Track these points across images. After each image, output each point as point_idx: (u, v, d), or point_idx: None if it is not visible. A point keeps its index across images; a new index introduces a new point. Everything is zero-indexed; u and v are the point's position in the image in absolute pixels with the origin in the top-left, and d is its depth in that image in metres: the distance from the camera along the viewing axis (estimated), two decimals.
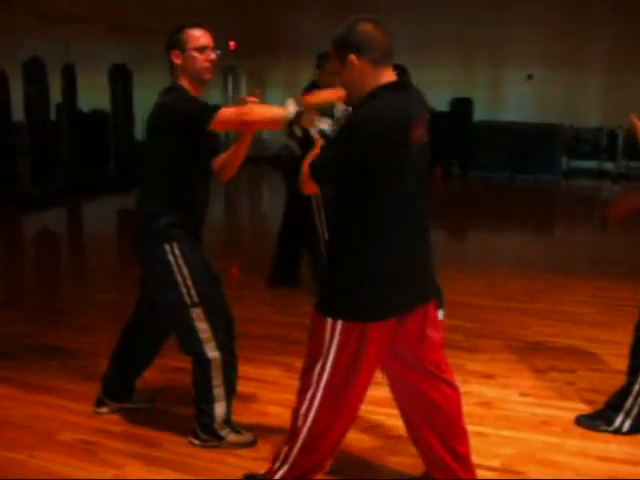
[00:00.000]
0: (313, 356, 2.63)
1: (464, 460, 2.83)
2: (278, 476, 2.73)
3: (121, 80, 12.35)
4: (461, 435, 2.84)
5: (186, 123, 3.00)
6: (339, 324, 2.53)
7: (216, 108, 2.96)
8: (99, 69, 12.54)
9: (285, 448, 2.73)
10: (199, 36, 3.14)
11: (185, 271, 3.15)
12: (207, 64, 3.15)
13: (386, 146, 2.41)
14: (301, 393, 2.68)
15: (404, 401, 2.87)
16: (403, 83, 2.54)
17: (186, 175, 3.18)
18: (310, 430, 2.66)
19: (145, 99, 13.72)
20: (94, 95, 13.49)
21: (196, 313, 3.17)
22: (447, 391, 2.80)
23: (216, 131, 3.01)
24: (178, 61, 3.15)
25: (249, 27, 14.56)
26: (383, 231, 2.51)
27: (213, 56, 3.16)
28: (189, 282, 3.15)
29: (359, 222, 2.52)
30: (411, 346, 2.70)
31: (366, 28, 2.50)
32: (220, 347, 3.21)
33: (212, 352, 3.20)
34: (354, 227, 2.53)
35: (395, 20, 14.65)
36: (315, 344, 2.61)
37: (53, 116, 12.11)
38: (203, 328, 3.17)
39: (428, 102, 2.64)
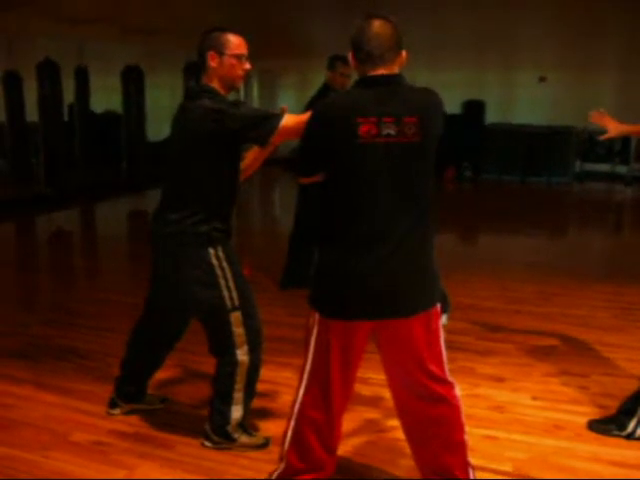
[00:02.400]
0: (304, 346, 2.73)
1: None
2: (274, 476, 2.77)
3: (133, 81, 12.40)
4: (453, 449, 2.76)
5: (244, 129, 3.03)
6: (316, 316, 2.62)
7: (279, 117, 3.01)
8: (112, 70, 12.60)
9: (281, 445, 2.78)
10: (239, 44, 3.17)
11: (228, 274, 3.17)
12: (242, 73, 3.19)
13: (326, 140, 2.46)
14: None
15: (404, 421, 2.86)
16: (377, 78, 2.49)
17: (225, 178, 3.19)
18: (297, 419, 2.73)
19: (157, 99, 13.80)
20: (107, 96, 13.54)
21: (234, 317, 3.18)
22: (440, 409, 2.73)
23: (275, 142, 3.06)
24: (214, 63, 3.14)
25: (260, 28, 14.60)
26: (343, 231, 2.53)
27: (248, 66, 3.21)
28: (231, 285, 3.17)
29: (326, 219, 2.60)
30: (401, 355, 2.67)
31: (361, 26, 2.53)
32: (250, 351, 3.23)
33: (242, 356, 3.21)
34: (323, 224, 2.62)
35: (408, 22, 14.60)
36: (305, 334, 2.71)
37: (66, 117, 12.17)
38: (239, 332, 3.19)
39: (431, 103, 2.55)
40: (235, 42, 3.16)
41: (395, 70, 2.52)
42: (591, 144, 12.82)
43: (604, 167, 13.42)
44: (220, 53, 3.12)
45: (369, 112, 2.41)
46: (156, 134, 11.93)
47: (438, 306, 2.67)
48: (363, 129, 2.40)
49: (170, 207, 3.24)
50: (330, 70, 5.70)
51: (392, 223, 2.49)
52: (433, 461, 2.76)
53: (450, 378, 2.73)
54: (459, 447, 2.76)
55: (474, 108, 13.84)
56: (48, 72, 10.84)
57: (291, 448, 2.75)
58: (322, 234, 2.62)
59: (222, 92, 3.17)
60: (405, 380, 2.72)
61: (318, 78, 5.38)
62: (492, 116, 13.89)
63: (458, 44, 13.61)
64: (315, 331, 2.64)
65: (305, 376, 2.71)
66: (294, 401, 2.76)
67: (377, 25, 2.49)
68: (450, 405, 2.72)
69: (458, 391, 2.75)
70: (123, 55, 12.36)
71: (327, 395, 2.69)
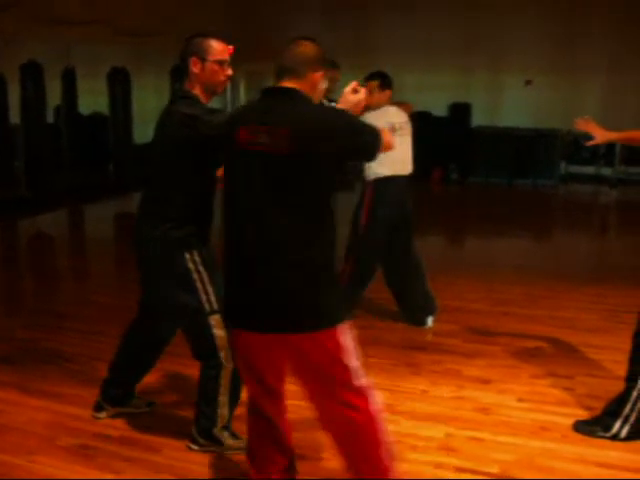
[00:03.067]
0: None
1: None
2: None
3: (120, 83, 12.35)
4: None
5: (218, 137, 3.04)
6: None
7: None
8: (99, 72, 12.55)
9: None
10: (221, 49, 3.15)
11: (205, 277, 3.16)
12: (224, 78, 3.18)
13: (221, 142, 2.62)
14: None
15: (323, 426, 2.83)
16: (273, 89, 2.59)
17: (200, 184, 3.19)
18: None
19: (144, 102, 13.75)
20: (94, 98, 13.49)
21: (215, 320, 3.17)
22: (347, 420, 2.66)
23: None
24: (196, 69, 3.13)
25: (247, 31, 14.59)
26: (226, 236, 2.60)
27: (230, 72, 3.19)
28: (209, 288, 3.17)
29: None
30: (296, 368, 2.67)
31: (287, 45, 2.63)
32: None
33: (226, 359, 3.21)
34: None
35: (393, 24, 14.73)
36: None
37: (51, 119, 12.10)
38: (220, 335, 3.18)
39: (319, 120, 2.49)
40: (217, 48, 3.15)
41: (303, 86, 2.55)
42: (576, 147, 12.89)
43: (589, 169, 13.50)
44: (202, 59, 3.12)
45: (250, 120, 2.50)
46: (143, 136, 11.88)
47: (336, 325, 2.52)
48: (241, 135, 2.48)
49: (148, 211, 3.26)
50: None
51: (263, 234, 2.47)
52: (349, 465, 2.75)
53: (364, 390, 2.62)
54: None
55: (460, 111, 13.87)
56: (32, 74, 10.74)
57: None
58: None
59: (204, 98, 3.17)
60: (313, 393, 2.71)
61: None
62: (478, 119, 13.93)
63: (445, 47, 13.66)
64: None
65: None
66: None
67: (298, 44, 2.58)
68: (358, 417, 2.62)
69: (373, 404, 2.63)
70: (110, 57, 12.32)
71: (253, 399, 2.81)
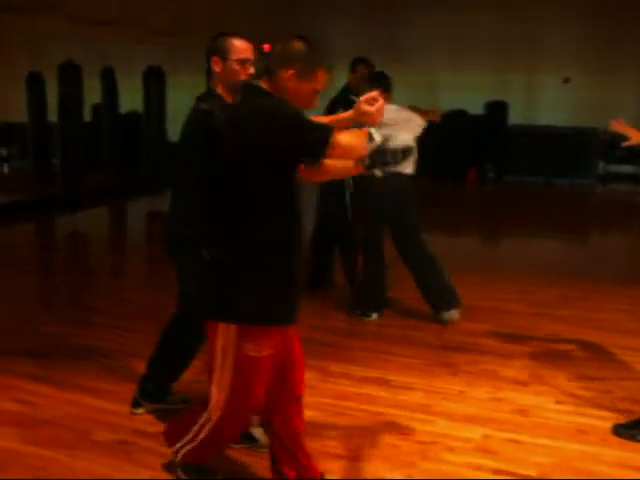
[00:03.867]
0: None
1: None
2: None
3: (155, 82, 12.46)
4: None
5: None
6: None
7: None
8: (135, 71, 12.68)
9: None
10: (243, 48, 3.16)
11: None
12: (245, 77, 3.17)
13: None
14: None
15: None
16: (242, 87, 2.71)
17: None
18: None
19: (178, 100, 13.86)
20: (130, 97, 13.63)
21: None
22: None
23: None
24: (217, 69, 3.16)
25: (283, 30, 14.62)
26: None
27: (252, 70, 3.18)
28: None
29: None
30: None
31: None
32: None
33: None
34: None
35: (429, 23, 14.65)
36: None
37: (88, 118, 12.25)
38: None
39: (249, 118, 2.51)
40: (239, 47, 3.15)
41: (273, 85, 2.54)
42: (614, 145, 12.70)
43: (628, 169, 13.30)
44: (224, 58, 3.14)
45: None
46: (177, 135, 11.97)
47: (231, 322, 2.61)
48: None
49: (172, 211, 3.33)
50: (353, 72, 5.71)
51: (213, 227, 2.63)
52: None
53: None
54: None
55: (497, 109, 13.75)
56: (70, 73, 10.90)
57: None
58: None
59: (227, 96, 3.18)
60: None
61: (340, 80, 5.38)
62: (515, 117, 13.79)
63: (481, 45, 13.56)
64: None
65: None
66: None
67: (281, 42, 2.57)
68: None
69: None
70: (146, 56, 12.44)
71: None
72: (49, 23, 9.70)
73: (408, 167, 5.19)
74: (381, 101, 2.67)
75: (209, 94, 3.22)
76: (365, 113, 2.66)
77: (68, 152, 11.06)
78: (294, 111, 2.49)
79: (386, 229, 5.33)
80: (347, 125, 2.78)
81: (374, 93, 2.70)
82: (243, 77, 3.15)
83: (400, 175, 5.09)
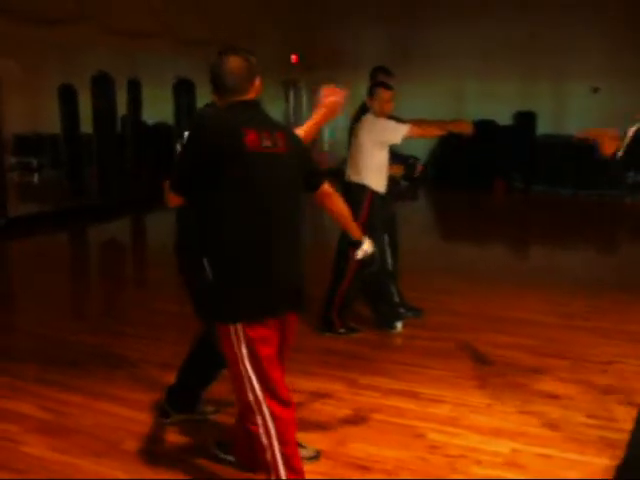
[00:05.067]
0: None
1: None
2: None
3: (185, 93, 12.57)
4: None
5: None
6: None
7: None
8: (164, 82, 12.80)
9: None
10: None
11: None
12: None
13: (214, 150, 2.64)
14: None
15: None
16: (244, 102, 2.77)
17: None
18: None
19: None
20: (159, 107, 13.76)
21: None
22: None
23: None
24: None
25: (311, 41, 14.71)
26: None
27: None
28: None
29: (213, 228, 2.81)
30: None
31: (217, 63, 2.80)
32: None
33: None
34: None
35: (457, 33, 14.62)
36: None
37: (118, 129, 12.39)
38: None
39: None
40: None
41: (252, 96, 2.78)
42: None
43: None
44: None
45: (250, 125, 2.66)
46: None
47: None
48: (249, 138, 2.61)
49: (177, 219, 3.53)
50: (372, 81, 5.65)
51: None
52: None
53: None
54: None
55: (525, 119, 13.66)
56: (103, 85, 11.05)
57: None
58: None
59: None
60: None
61: (365, 89, 5.39)
62: (544, 127, 13.70)
63: (509, 54, 13.50)
64: None
65: None
66: None
67: (231, 61, 2.74)
68: None
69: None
70: (175, 67, 12.56)
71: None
72: (80, 35, 9.84)
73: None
74: (342, 91, 2.98)
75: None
76: (332, 103, 2.96)
77: (102, 162, 11.22)
78: (195, 129, 2.78)
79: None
80: (322, 122, 3.16)
81: (331, 86, 3.01)
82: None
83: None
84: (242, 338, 2.64)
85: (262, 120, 2.76)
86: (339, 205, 3.05)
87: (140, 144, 12.93)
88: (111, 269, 8.20)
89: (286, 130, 2.83)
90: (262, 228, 2.66)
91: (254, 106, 2.78)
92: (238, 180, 2.61)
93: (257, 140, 2.63)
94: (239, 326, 2.63)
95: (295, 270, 2.80)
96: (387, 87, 5.13)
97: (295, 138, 2.86)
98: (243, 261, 2.64)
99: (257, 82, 2.78)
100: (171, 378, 3.78)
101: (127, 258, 9.15)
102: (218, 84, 2.77)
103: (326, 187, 2.97)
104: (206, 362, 3.63)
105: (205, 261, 2.71)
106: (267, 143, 2.66)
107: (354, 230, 3.16)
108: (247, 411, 2.73)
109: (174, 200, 2.75)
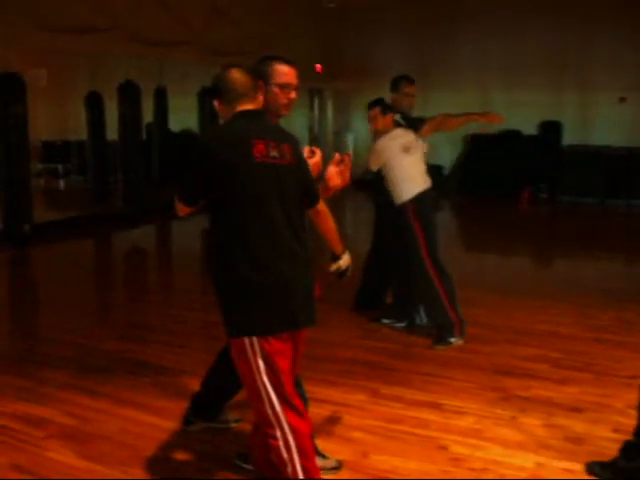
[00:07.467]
0: None
1: None
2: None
3: (209, 101, 12.66)
4: None
5: None
6: None
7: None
8: (189, 90, 12.91)
9: None
10: (285, 73, 3.15)
11: None
12: (286, 102, 3.16)
13: (222, 161, 2.68)
14: None
15: None
16: (252, 111, 2.85)
17: None
18: None
19: None
20: (185, 115, 13.88)
21: None
22: None
23: None
24: (260, 92, 3.18)
25: (335, 52, 14.77)
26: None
27: (293, 95, 3.17)
28: None
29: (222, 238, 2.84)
30: None
31: (221, 75, 2.95)
32: None
33: None
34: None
35: (482, 41, 14.55)
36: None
37: (144, 136, 12.51)
38: None
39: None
40: (281, 71, 3.15)
41: (257, 107, 2.87)
42: None
43: None
44: (265, 82, 3.15)
45: (259, 136, 2.72)
46: None
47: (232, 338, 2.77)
48: (257, 149, 2.68)
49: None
50: (394, 91, 5.65)
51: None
52: None
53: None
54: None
55: (551, 129, 13.59)
56: (129, 93, 11.17)
57: None
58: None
59: (272, 118, 3.21)
60: None
61: (388, 99, 5.43)
62: (569, 137, 13.61)
63: (534, 64, 13.45)
64: None
65: None
66: None
67: (235, 71, 2.87)
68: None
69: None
70: (201, 76, 12.66)
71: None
72: (108, 43, 9.94)
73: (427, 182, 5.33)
74: (318, 152, 3.15)
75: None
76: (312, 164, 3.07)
77: (128, 170, 11.32)
78: (200, 147, 2.76)
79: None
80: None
81: (306, 148, 3.13)
82: (284, 101, 3.14)
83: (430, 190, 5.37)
84: (258, 351, 2.64)
85: (270, 130, 2.82)
86: (329, 224, 3.19)
87: (165, 151, 13.04)
88: (136, 276, 8.27)
89: (293, 142, 2.87)
90: (274, 239, 2.68)
91: (260, 115, 2.86)
92: (247, 190, 2.64)
93: (265, 150, 2.70)
94: (255, 339, 2.64)
95: (308, 281, 2.80)
96: (409, 80, 5.63)
97: (300, 151, 2.92)
98: (257, 272, 2.64)
99: (260, 97, 2.90)
100: (196, 386, 3.80)
101: (152, 264, 9.21)
102: (224, 91, 2.85)
103: (321, 206, 3.03)
104: (230, 375, 3.64)
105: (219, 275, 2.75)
106: (274, 153, 2.72)
107: (337, 246, 3.30)
108: (266, 425, 2.71)
109: (183, 210, 2.84)
